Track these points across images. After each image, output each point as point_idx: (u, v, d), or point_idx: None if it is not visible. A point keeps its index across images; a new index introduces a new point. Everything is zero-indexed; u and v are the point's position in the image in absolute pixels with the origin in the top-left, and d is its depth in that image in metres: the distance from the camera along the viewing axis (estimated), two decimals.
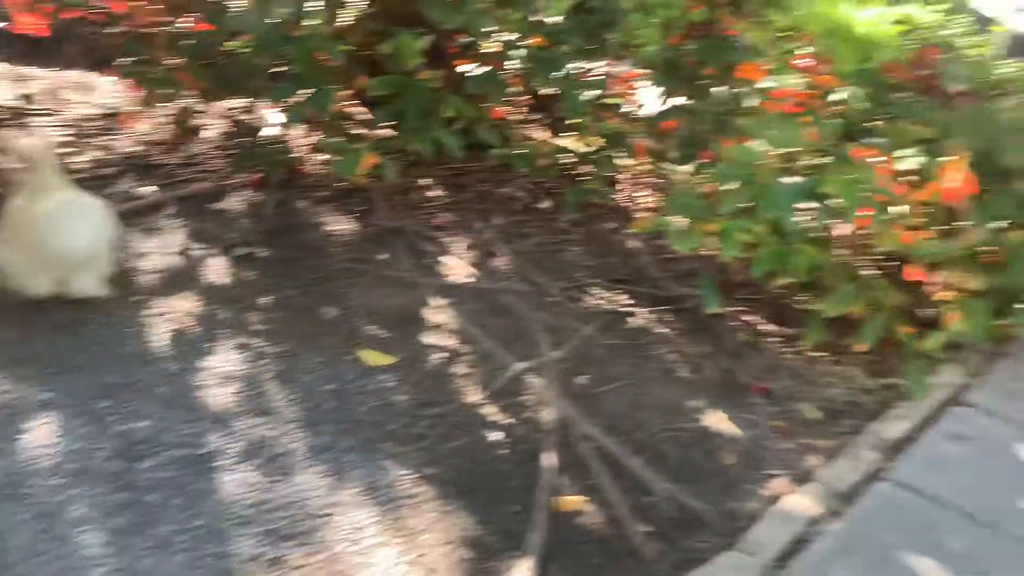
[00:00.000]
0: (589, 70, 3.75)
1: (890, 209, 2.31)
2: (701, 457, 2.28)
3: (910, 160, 2.44)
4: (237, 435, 2.11)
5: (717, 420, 2.43)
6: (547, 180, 3.71)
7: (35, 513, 1.79)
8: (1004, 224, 2.45)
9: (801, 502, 2.06)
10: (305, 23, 2.98)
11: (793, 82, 2.93)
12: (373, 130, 3.28)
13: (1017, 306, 2.57)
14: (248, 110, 3.46)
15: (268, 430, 2.14)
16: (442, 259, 3.19)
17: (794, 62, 3.19)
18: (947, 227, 2.39)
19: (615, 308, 3.00)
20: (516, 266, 3.19)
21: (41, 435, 1.99)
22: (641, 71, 3.73)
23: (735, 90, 3.33)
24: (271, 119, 3.55)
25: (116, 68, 3.13)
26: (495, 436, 2.25)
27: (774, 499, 2.11)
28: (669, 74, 3.53)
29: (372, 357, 2.51)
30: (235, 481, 1.96)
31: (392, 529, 1.90)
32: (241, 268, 2.94)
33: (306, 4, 3.07)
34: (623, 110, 3.63)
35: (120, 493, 1.87)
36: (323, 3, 3.10)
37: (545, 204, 3.72)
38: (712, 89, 3.48)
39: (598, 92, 3.39)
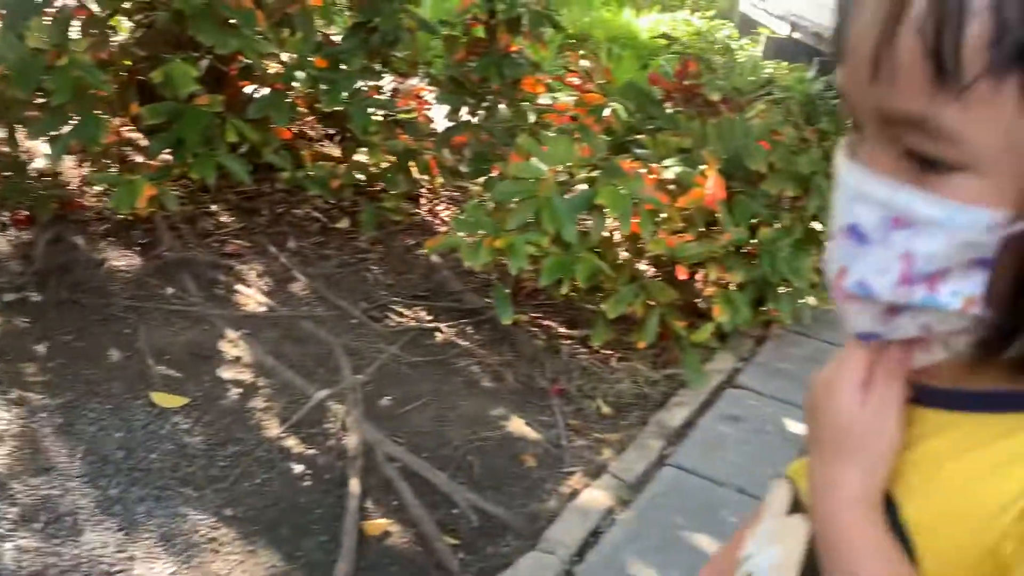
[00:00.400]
0: (378, 88, 3.79)
1: (657, 216, 2.51)
2: (504, 464, 2.37)
3: (672, 169, 2.66)
4: (13, 499, 1.97)
5: (518, 426, 2.54)
6: (345, 199, 3.70)
7: None
8: (755, 222, 2.73)
9: (596, 496, 2.19)
10: (70, 51, 2.80)
11: (565, 98, 3.10)
12: (153, 159, 3.13)
13: (775, 293, 2.87)
14: (11, 143, 3.20)
15: (50, 489, 2.02)
16: (235, 288, 3.11)
17: (568, 79, 3.36)
18: (706, 229, 2.62)
19: (418, 325, 3.04)
20: (315, 290, 3.17)
21: None
22: (430, 88, 3.81)
23: (520, 105, 3.48)
24: (40, 151, 3.32)
25: None
26: (298, 468, 2.23)
27: (572, 496, 2.23)
28: (455, 90, 3.63)
29: (163, 399, 2.41)
30: (12, 549, 1.83)
31: (191, 571, 1.85)
32: (11, 315, 2.74)
33: (70, 30, 2.90)
34: (416, 126, 3.68)
35: None
36: (87, 29, 2.93)
37: (343, 224, 3.70)
38: (499, 105, 3.62)
39: (386, 110, 3.42)
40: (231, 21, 3.00)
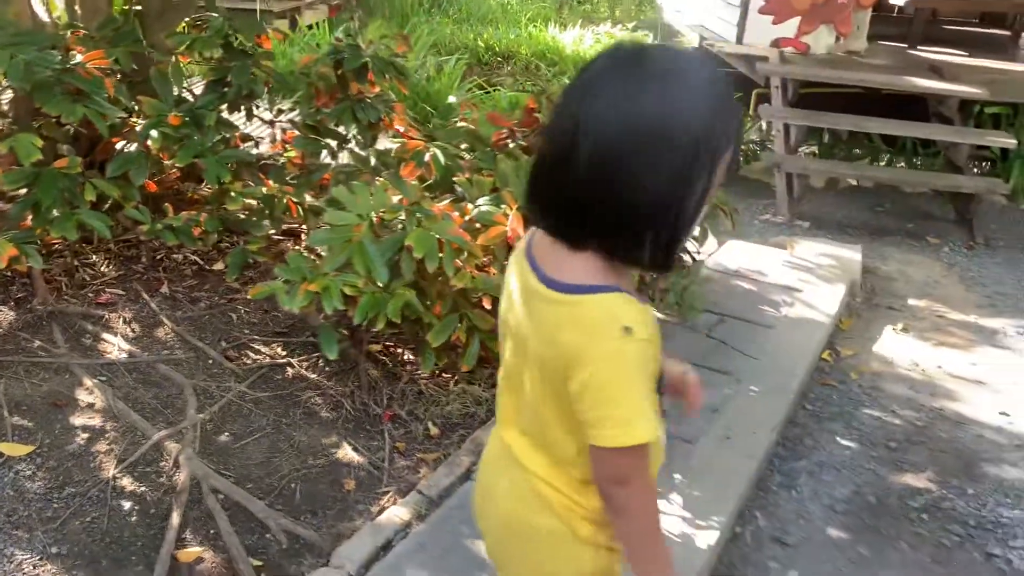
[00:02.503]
0: (245, 137, 4.03)
1: (461, 253, 2.75)
2: (325, 489, 2.61)
3: (481, 208, 2.91)
4: None
5: (346, 452, 2.77)
6: (217, 244, 3.92)
7: None
8: None
9: (398, 512, 2.43)
10: None
11: (392, 145, 3.35)
12: (17, 222, 3.33)
13: None
14: None
15: None
16: (102, 337, 3.32)
17: (394, 125, 3.61)
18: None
19: (271, 361, 3.27)
20: (179, 333, 3.38)
21: None
22: (294, 132, 4.04)
23: (368, 149, 3.72)
24: None
25: None
26: (127, 505, 2.45)
27: (379, 514, 2.47)
28: (312, 135, 3.87)
29: (10, 449, 2.62)
30: None
31: None
32: None
33: None
34: (280, 171, 3.91)
35: None
36: None
37: (219, 266, 3.92)
38: (357, 147, 3.86)
39: (243, 159, 3.65)
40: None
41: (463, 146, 3.49)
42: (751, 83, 6.88)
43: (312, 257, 2.88)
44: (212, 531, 2.38)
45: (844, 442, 3.10)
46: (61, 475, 2.55)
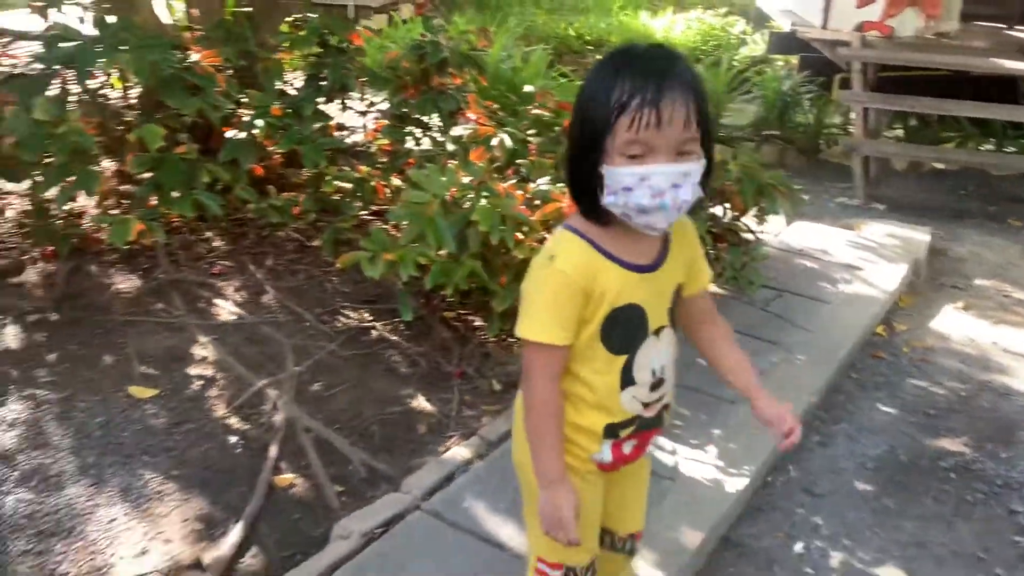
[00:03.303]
0: (339, 126, 4.46)
1: (522, 227, 3.07)
2: (400, 432, 2.98)
3: (540, 187, 3.22)
4: (17, 466, 2.68)
5: (419, 403, 3.14)
6: (317, 223, 4.36)
7: None
8: None
9: (460, 452, 2.78)
10: (68, 120, 3.53)
11: (462, 131, 3.69)
12: (143, 201, 3.84)
13: None
14: (35, 194, 3.96)
15: (44, 459, 2.72)
16: (214, 302, 3.80)
17: (467, 113, 3.95)
18: None
19: (358, 325, 3.68)
20: (281, 300, 3.83)
21: None
22: (383, 122, 4.44)
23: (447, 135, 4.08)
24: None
25: None
26: (233, 439, 2.89)
27: (443, 453, 2.82)
28: (397, 124, 4.25)
29: (139, 392, 3.11)
30: (14, 500, 2.53)
31: (140, 517, 2.52)
32: (33, 332, 3.48)
33: (68, 104, 3.64)
34: (371, 157, 4.31)
35: None
36: (80, 102, 3.67)
37: (316, 242, 4.36)
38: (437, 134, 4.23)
39: (337, 146, 4.07)
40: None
41: (531, 131, 3.79)
42: (837, 68, 6.93)
43: (392, 231, 3.24)
44: (303, 463, 2.78)
45: (885, 408, 3.27)
46: (180, 414, 3.01)
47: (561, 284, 1.36)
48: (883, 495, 2.77)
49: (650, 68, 1.28)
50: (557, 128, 3.71)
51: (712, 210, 3.91)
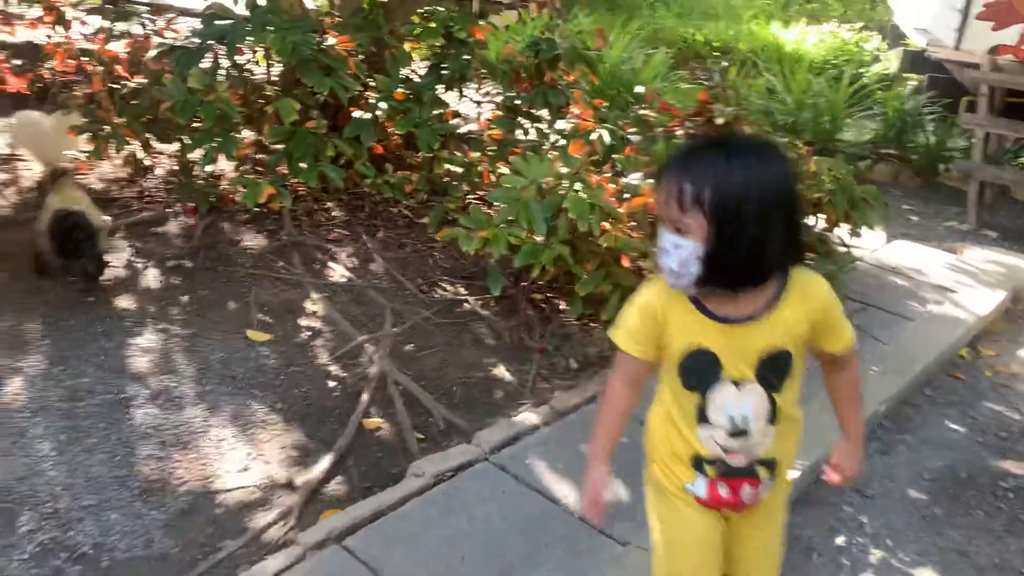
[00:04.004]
0: (454, 113, 4.76)
1: (608, 217, 3.28)
2: (479, 395, 3.25)
3: (631, 181, 3.42)
4: (148, 385, 3.10)
5: (500, 371, 3.41)
6: (427, 201, 4.69)
7: (10, 432, 2.77)
8: None
9: (530, 417, 3.02)
10: (216, 91, 3.97)
11: (564, 125, 3.92)
12: (274, 168, 4.25)
13: None
14: (182, 155, 4.45)
15: (170, 383, 3.13)
16: (329, 265, 4.17)
17: (571, 109, 4.16)
18: (652, 229, 3.35)
19: (453, 297, 3.97)
20: (386, 269, 4.17)
21: (14, 390, 2.98)
22: (497, 112, 4.72)
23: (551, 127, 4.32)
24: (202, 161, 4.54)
25: (72, 128, 4.13)
26: (332, 384, 3.23)
27: (514, 415, 3.07)
28: (511, 115, 4.52)
29: (256, 335, 3.49)
30: (143, 412, 2.95)
31: (245, 440, 2.88)
32: (171, 276, 3.94)
33: (217, 76, 4.09)
34: (480, 143, 4.60)
35: (61, 422, 2.85)
36: (227, 74, 4.11)
37: (425, 220, 4.69)
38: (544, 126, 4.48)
39: (451, 131, 4.37)
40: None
41: (631, 129, 3.98)
42: (966, 90, 6.77)
43: (490, 212, 3.50)
44: (390, 410, 3.09)
45: (953, 426, 3.31)
46: (288, 358, 3.37)
47: (643, 308, 1.58)
48: (934, 504, 2.85)
49: (678, 155, 1.51)
50: (660, 128, 3.89)
51: (804, 221, 4.00)
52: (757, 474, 1.60)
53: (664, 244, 1.48)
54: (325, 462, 2.77)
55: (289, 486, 2.68)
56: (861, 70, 8.46)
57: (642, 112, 4.12)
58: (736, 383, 1.54)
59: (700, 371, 1.55)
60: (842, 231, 4.15)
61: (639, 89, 4.86)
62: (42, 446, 2.74)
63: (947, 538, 2.68)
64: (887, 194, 6.06)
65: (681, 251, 1.45)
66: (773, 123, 6.63)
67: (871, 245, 4.83)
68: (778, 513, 1.75)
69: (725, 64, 9.20)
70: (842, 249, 4.22)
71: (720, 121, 4.23)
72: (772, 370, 1.53)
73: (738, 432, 1.55)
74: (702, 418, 1.56)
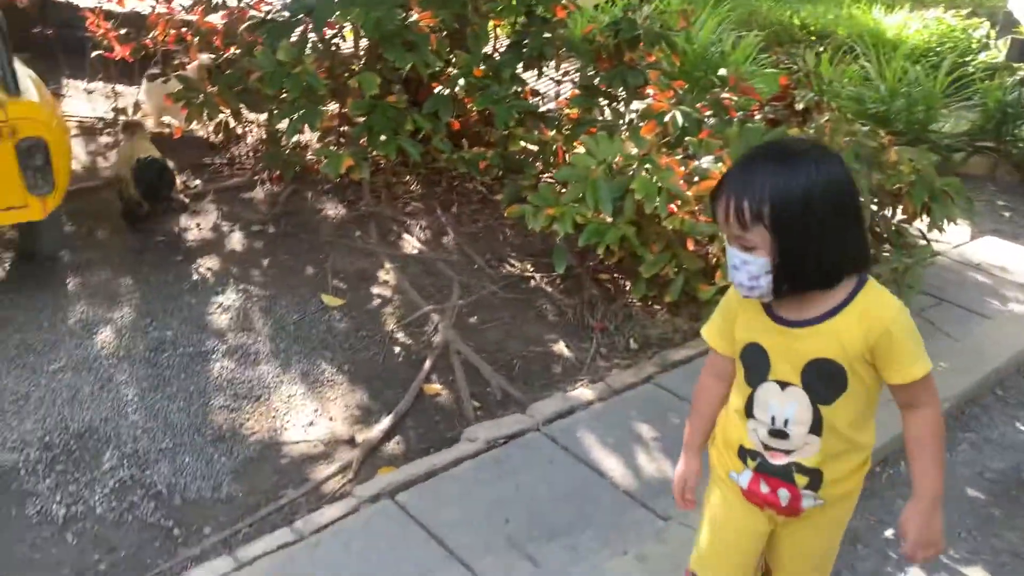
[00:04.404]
0: (533, 92, 4.81)
1: (675, 200, 3.29)
2: (537, 369, 3.33)
3: (701, 164, 3.42)
4: (226, 341, 3.29)
5: (560, 348, 3.47)
6: (506, 177, 4.76)
7: (99, 377, 3.00)
8: None
9: (585, 392, 3.08)
10: (303, 63, 4.12)
11: (640, 106, 3.92)
12: (356, 140, 4.39)
13: None
14: (270, 125, 4.64)
15: (247, 339, 3.31)
16: (403, 236, 4.31)
17: (645, 89, 4.15)
18: None
19: (520, 274, 4.05)
20: (458, 243, 4.28)
21: (105, 338, 3.21)
22: (576, 91, 4.75)
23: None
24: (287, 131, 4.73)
25: (168, 96, 4.36)
26: (397, 349, 3.36)
27: (567, 389, 3.14)
28: (590, 94, 4.55)
29: (330, 300, 3.65)
30: (220, 365, 3.13)
31: (312, 396, 3.04)
32: (254, 240, 4.14)
33: (305, 50, 4.24)
34: (556, 122, 4.64)
35: (146, 370, 3.06)
36: (313, 48, 4.26)
37: (498, 197, 4.77)
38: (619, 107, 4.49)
39: (527, 109, 4.43)
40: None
41: (708, 112, 3.96)
42: None
43: (560, 191, 3.55)
44: (450, 378, 3.20)
45: (1022, 427, 3.22)
46: (358, 323, 3.52)
47: (723, 305, 1.64)
48: (992, 505, 2.79)
49: (735, 167, 1.47)
50: (741, 112, 3.86)
51: (883, 212, 3.91)
52: (795, 480, 1.57)
53: (732, 261, 1.47)
54: (385, 422, 2.90)
55: (350, 443, 2.82)
56: (965, 59, 8.11)
57: (724, 96, 4.09)
58: (781, 385, 1.53)
59: (753, 366, 1.56)
60: (923, 224, 4.04)
61: (722, 72, 4.80)
62: (127, 391, 2.95)
63: (1003, 539, 2.63)
64: (981, 189, 5.86)
65: (750, 267, 1.44)
66: (862, 111, 6.44)
67: (955, 240, 4.68)
68: (827, 532, 1.71)
69: (820, 49, 8.94)
70: (922, 242, 4.12)
71: (800, 107, 4.17)
72: (820, 380, 1.50)
73: (777, 432, 1.55)
74: (749, 412, 1.59)
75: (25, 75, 3.46)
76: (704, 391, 1.71)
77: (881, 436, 2.94)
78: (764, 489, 1.62)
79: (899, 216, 4.00)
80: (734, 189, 1.42)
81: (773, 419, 1.55)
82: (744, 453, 1.62)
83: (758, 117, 4.13)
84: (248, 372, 3.12)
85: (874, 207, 3.97)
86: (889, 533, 2.63)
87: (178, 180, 4.28)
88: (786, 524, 1.67)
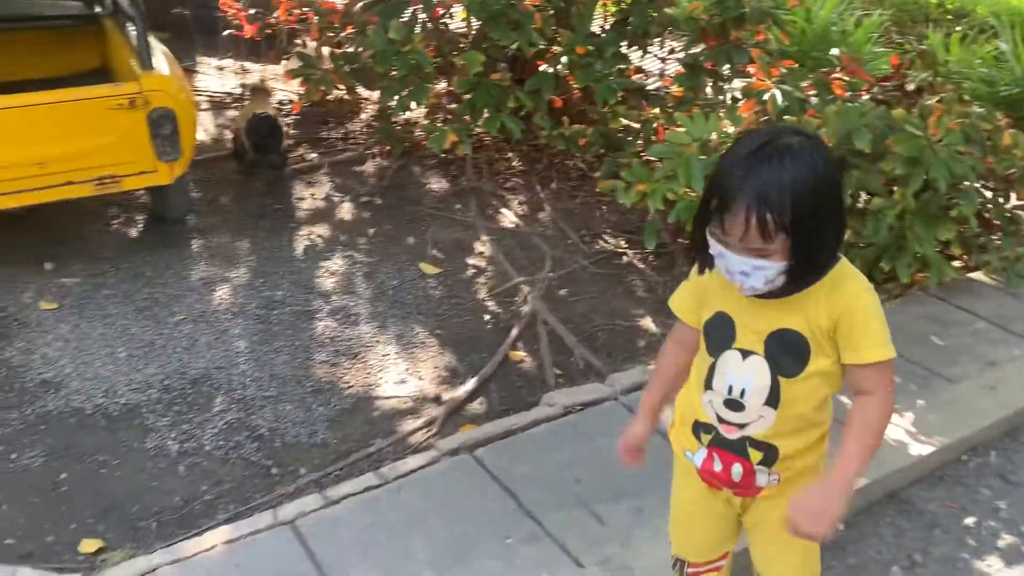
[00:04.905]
0: (636, 69, 4.84)
1: None
2: (622, 342, 3.41)
3: None
4: (331, 302, 3.52)
5: (647, 322, 3.53)
6: (607, 154, 4.82)
7: (214, 329, 3.27)
8: (864, 193, 3.35)
9: None
10: (412, 42, 4.30)
11: (740, 84, 3.89)
12: (459, 117, 4.55)
13: (892, 253, 3.45)
14: (382, 102, 4.85)
15: (349, 301, 3.53)
16: (501, 211, 4.45)
17: (746, 67, 4.11)
18: None
19: (613, 250, 4.12)
20: (554, 218, 4.39)
21: (222, 295, 3.50)
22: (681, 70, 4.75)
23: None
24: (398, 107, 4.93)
25: (288, 72, 4.64)
26: (487, 317, 3.50)
27: (650, 363, 3.20)
28: (694, 72, 4.54)
29: (427, 268, 3.83)
30: (323, 324, 3.36)
31: (405, 356, 3.22)
32: (361, 210, 4.37)
33: (415, 29, 4.42)
34: (659, 99, 4.66)
35: (256, 325, 3.32)
36: (422, 27, 4.43)
37: (597, 174, 4.84)
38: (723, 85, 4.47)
39: (630, 87, 4.47)
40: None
41: (812, 92, 3.89)
42: None
43: (655, 167, 3.59)
44: (535, 347, 3.32)
45: None
46: (452, 291, 3.68)
47: (694, 276, 1.57)
48: None
49: (736, 174, 1.34)
50: (851, 92, 3.80)
51: (991, 195, 3.77)
52: (748, 455, 1.55)
53: (741, 268, 1.38)
54: (470, 384, 3.05)
55: (436, 400, 2.99)
56: None
57: (834, 76, 4.00)
58: (744, 353, 1.50)
59: (717, 335, 1.53)
60: None
61: (834, 52, 4.69)
62: (238, 344, 3.21)
63: None
64: None
65: (766, 272, 1.38)
66: (993, 94, 6.12)
67: None
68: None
69: (956, 29, 8.49)
70: None
71: (911, 87, 4.05)
72: (783, 351, 1.47)
73: (732, 402, 1.53)
74: (708, 383, 1.55)
75: (159, 51, 3.77)
76: (666, 355, 1.69)
77: (970, 425, 2.89)
78: (717, 467, 1.60)
79: (1013, 202, 3.84)
80: (750, 202, 1.33)
81: (730, 388, 1.52)
82: (699, 428, 1.61)
83: (866, 97, 4.03)
84: (348, 331, 3.34)
85: (988, 193, 3.83)
86: (970, 521, 2.59)
87: (288, 141, 4.77)
88: (749, 512, 1.65)
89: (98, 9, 4.28)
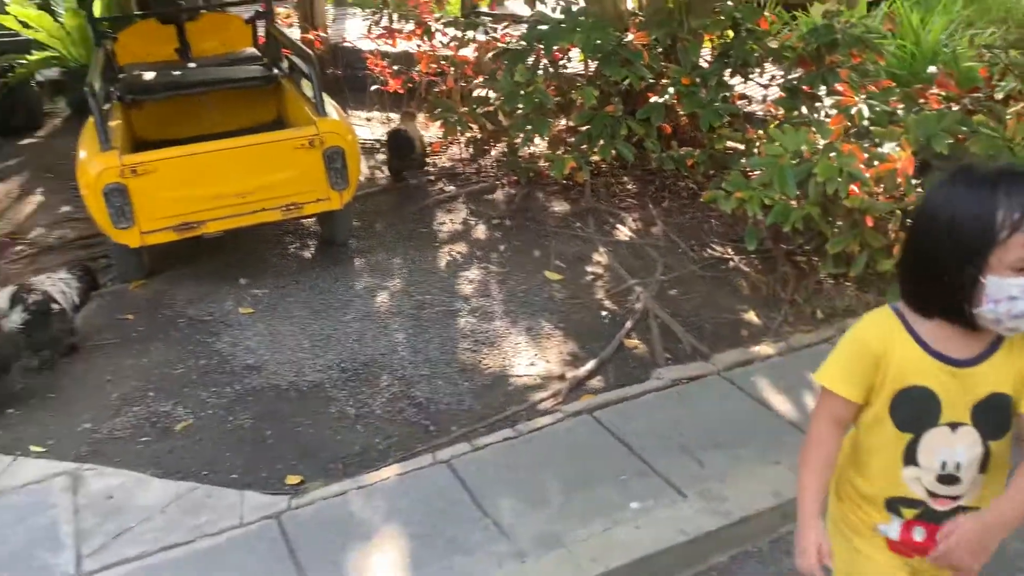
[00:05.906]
0: (742, 96, 5.31)
1: (854, 181, 3.66)
2: (727, 332, 3.84)
3: (880, 150, 3.76)
4: (470, 303, 4.13)
5: (749, 316, 3.96)
6: (715, 175, 5.27)
7: (378, 325, 3.94)
8: None
9: (765, 349, 3.55)
10: (535, 83, 4.94)
11: (830, 102, 4.29)
12: (577, 147, 5.13)
13: None
14: (509, 137, 5.50)
15: (485, 302, 4.14)
16: (616, 227, 4.98)
17: (837, 86, 4.48)
18: (898, 192, 3.67)
19: (720, 256, 4.57)
20: (665, 232, 4.88)
21: (382, 299, 4.18)
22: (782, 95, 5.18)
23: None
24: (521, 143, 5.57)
25: (430, 116, 5.37)
26: (603, 313, 4.02)
27: (752, 348, 3.63)
28: (792, 97, 4.97)
29: (551, 275, 4.40)
30: (465, 320, 3.97)
31: (533, 345, 3.78)
32: (494, 231, 5.00)
33: (538, 71, 5.06)
34: (761, 123, 5.10)
35: (411, 322, 3.97)
36: (544, 71, 5.06)
37: (706, 193, 5.30)
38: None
39: (733, 112, 4.93)
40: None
41: (899, 105, 4.25)
42: None
43: (751, 177, 4.04)
44: (647, 336, 3.81)
45: None
46: (573, 292, 4.23)
47: (858, 347, 1.49)
48: None
49: (1000, 195, 1.33)
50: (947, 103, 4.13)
51: None
52: (954, 519, 1.51)
53: (1013, 293, 1.33)
54: (590, 365, 3.56)
55: (561, 378, 3.52)
56: None
57: (931, 92, 4.32)
58: (952, 427, 1.46)
59: (915, 409, 1.46)
60: None
61: (931, 69, 4.99)
62: (398, 336, 3.86)
63: None
64: None
65: None
66: None
67: None
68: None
69: None
70: None
71: (999, 96, 4.33)
72: (990, 415, 1.45)
73: (947, 477, 1.47)
74: (910, 460, 1.49)
75: (329, 102, 4.55)
76: (821, 444, 1.54)
77: None
78: (918, 537, 1.54)
79: None
80: None
81: (944, 464, 1.47)
82: (896, 503, 1.54)
83: (955, 108, 4.34)
84: (485, 325, 3.93)
85: None
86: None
87: (422, 150, 5.64)
88: (928, 567, 1.59)
89: (276, 71, 5.16)
